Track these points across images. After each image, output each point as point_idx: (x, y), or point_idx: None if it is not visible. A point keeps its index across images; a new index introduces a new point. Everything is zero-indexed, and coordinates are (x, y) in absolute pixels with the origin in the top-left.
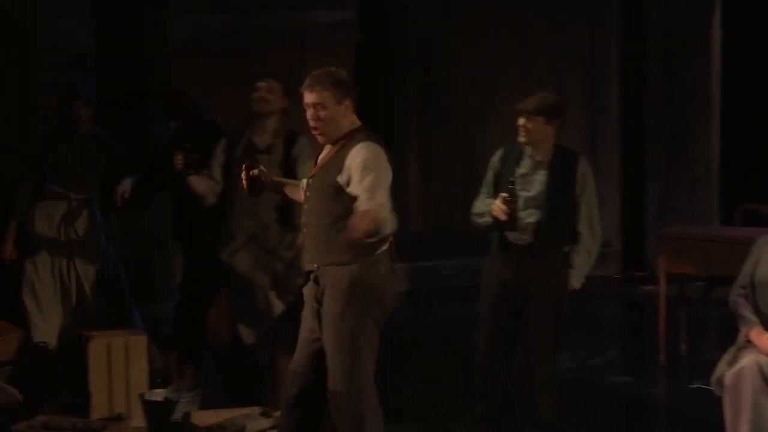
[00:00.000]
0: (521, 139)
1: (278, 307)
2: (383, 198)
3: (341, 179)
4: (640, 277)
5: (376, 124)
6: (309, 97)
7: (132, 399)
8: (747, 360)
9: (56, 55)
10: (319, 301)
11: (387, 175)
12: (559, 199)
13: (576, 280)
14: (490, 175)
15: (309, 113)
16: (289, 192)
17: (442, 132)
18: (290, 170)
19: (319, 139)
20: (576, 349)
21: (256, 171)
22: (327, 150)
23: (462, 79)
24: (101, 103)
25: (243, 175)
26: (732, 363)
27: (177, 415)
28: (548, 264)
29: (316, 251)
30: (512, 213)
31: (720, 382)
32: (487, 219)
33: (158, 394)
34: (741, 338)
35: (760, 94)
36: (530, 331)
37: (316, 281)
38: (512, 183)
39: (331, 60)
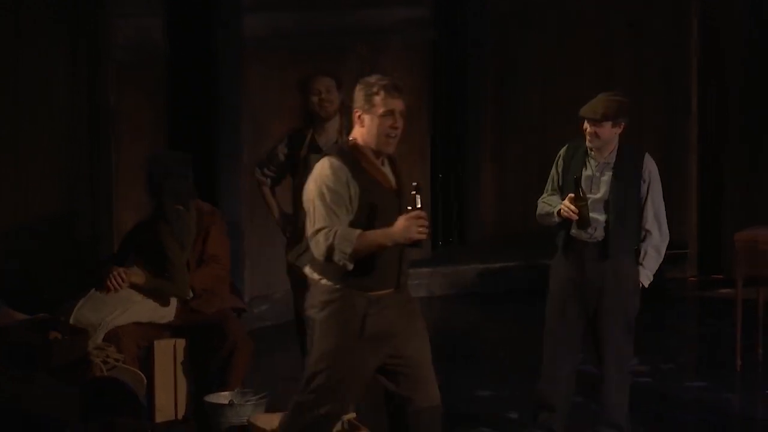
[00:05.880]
0: (589, 144)
1: None
2: None
3: None
4: (716, 280)
5: (450, 124)
6: (398, 104)
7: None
8: None
9: (126, 54)
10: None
11: None
12: (626, 199)
13: (645, 278)
14: (554, 172)
15: (395, 121)
16: None
17: (518, 132)
18: None
19: (392, 149)
20: (650, 353)
21: None
22: (378, 163)
23: (539, 78)
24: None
25: None
26: None
27: (242, 418)
28: (620, 263)
29: (402, 273)
30: (582, 212)
31: None
32: (555, 219)
33: (223, 397)
34: None
35: None
36: (603, 331)
37: (407, 301)
38: (578, 181)
39: (406, 59)
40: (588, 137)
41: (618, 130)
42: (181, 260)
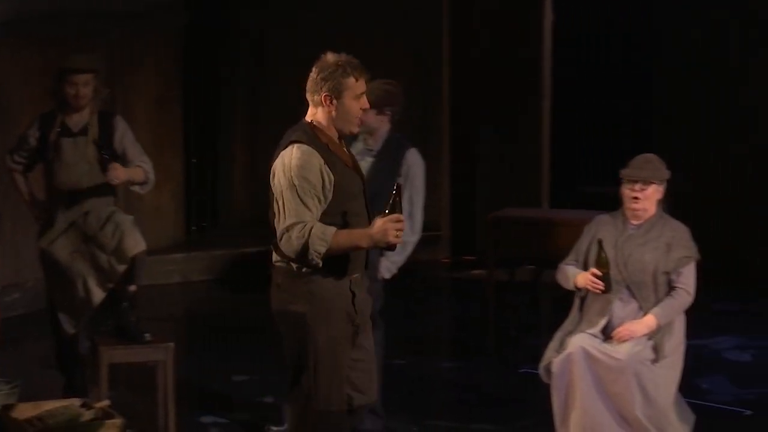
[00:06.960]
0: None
1: (98, 295)
2: None
3: None
4: (469, 261)
5: (203, 111)
6: (365, 87)
7: None
8: (573, 346)
9: None
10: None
11: None
12: (380, 189)
13: (386, 270)
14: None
15: (365, 101)
16: None
17: (271, 117)
18: (108, 149)
19: (357, 128)
20: (403, 335)
21: None
22: (339, 144)
23: (292, 63)
24: None
25: None
26: (559, 349)
27: None
28: None
29: (368, 254)
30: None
31: (548, 369)
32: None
33: None
34: (566, 322)
35: (590, 77)
36: None
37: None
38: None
39: (159, 44)
40: None
41: (383, 119)
42: None
